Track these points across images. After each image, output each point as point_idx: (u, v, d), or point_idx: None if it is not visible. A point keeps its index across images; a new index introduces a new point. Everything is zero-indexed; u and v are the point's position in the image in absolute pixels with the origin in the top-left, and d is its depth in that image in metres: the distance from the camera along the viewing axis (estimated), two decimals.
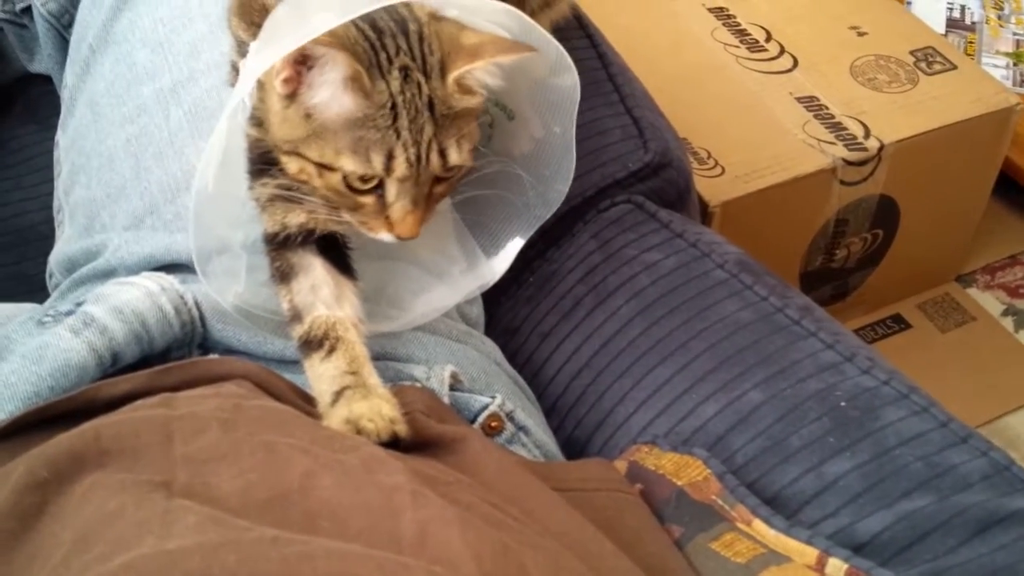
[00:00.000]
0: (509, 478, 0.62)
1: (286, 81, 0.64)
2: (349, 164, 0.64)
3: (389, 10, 0.65)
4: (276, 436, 0.56)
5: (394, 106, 0.63)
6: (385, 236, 0.68)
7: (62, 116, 0.96)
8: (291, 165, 0.67)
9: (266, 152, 0.70)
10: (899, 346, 1.64)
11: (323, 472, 0.53)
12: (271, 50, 0.63)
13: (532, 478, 0.63)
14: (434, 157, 0.65)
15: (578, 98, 0.72)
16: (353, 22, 0.63)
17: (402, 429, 0.64)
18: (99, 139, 0.88)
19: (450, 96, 0.65)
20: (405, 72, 0.64)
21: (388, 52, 0.64)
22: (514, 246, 0.79)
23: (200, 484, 0.52)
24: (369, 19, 0.64)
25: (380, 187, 0.66)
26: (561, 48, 0.68)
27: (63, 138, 0.95)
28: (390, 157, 0.64)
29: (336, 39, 0.61)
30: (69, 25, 0.99)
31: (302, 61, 0.63)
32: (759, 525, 0.66)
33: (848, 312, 1.64)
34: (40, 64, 1.10)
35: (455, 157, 0.66)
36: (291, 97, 0.64)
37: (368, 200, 0.66)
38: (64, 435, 0.55)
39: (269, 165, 0.70)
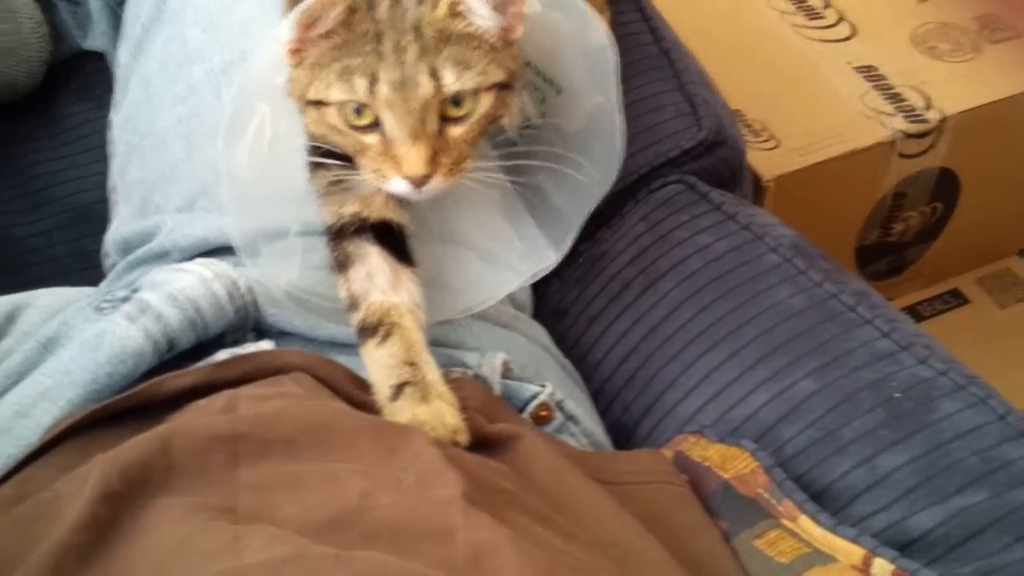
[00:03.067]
0: (559, 480, 0.63)
1: (292, 52, 0.66)
2: (336, 93, 0.65)
3: None
4: (338, 463, 0.57)
5: (379, 32, 0.64)
6: (401, 186, 0.67)
7: (115, 95, 0.97)
8: (309, 123, 0.69)
9: (317, 145, 0.71)
10: (956, 321, 1.61)
11: (380, 493, 0.54)
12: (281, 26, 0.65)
13: (582, 480, 0.64)
14: (423, 79, 0.65)
15: (614, 62, 0.71)
16: None
17: (463, 439, 0.64)
18: (152, 119, 0.89)
19: (441, 19, 0.65)
20: (395, 0, 0.65)
21: None
22: (572, 229, 0.79)
23: (263, 508, 0.53)
24: None
25: (379, 123, 0.66)
26: (584, 6, 0.68)
27: (116, 117, 0.95)
28: (373, 80, 0.64)
29: None
30: (122, 3, 0.99)
31: (309, 25, 0.65)
32: (805, 521, 0.66)
33: (904, 287, 1.61)
34: (94, 41, 1.11)
35: (450, 79, 0.65)
36: (298, 61, 0.67)
37: (372, 139, 0.67)
38: (135, 441, 0.56)
39: (323, 157, 0.71)
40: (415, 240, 0.76)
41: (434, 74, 0.65)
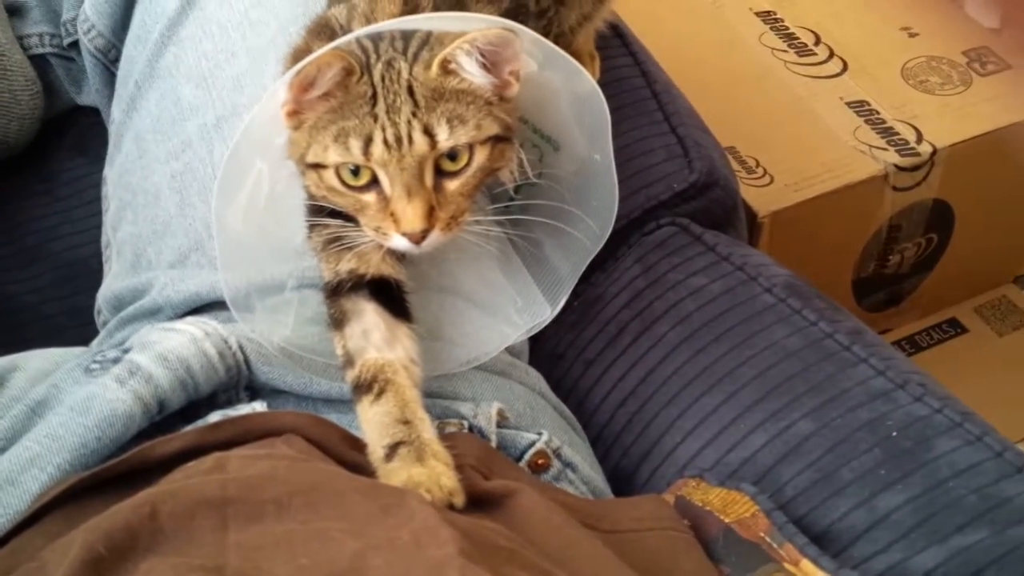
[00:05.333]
0: (558, 535, 0.62)
1: (290, 114, 0.67)
2: (333, 155, 0.67)
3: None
4: (329, 522, 0.57)
5: (374, 94, 0.66)
6: (402, 242, 0.68)
7: (109, 151, 0.97)
8: (309, 184, 0.70)
9: (316, 203, 0.71)
10: (955, 351, 1.60)
11: (373, 553, 0.54)
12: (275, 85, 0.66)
13: (581, 533, 0.63)
14: (417, 136, 0.66)
15: (606, 113, 0.72)
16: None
17: (459, 501, 0.64)
18: (145, 175, 0.89)
19: (434, 78, 0.66)
20: (389, 63, 0.66)
21: (379, 51, 0.67)
22: (568, 284, 0.79)
23: (253, 568, 0.53)
24: (375, 32, 0.68)
25: (377, 182, 0.67)
26: (577, 65, 0.70)
27: (110, 173, 0.96)
28: (368, 141, 0.65)
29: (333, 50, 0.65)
30: (116, 60, 1.00)
31: (305, 87, 0.66)
32: (807, 565, 0.65)
33: (903, 317, 1.61)
34: (88, 97, 1.12)
35: (444, 135, 0.66)
36: (296, 124, 0.68)
37: (370, 198, 0.68)
38: (120, 507, 0.56)
39: (320, 215, 0.72)
40: (414, 295, 0.76)
41: (428, 131, 0.66)
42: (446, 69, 0.67)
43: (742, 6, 1.59)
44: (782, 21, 1.56)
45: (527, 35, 0.68)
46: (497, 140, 0.69)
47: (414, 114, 0.66)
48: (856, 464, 0.75)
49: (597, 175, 0.75)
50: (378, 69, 0.66)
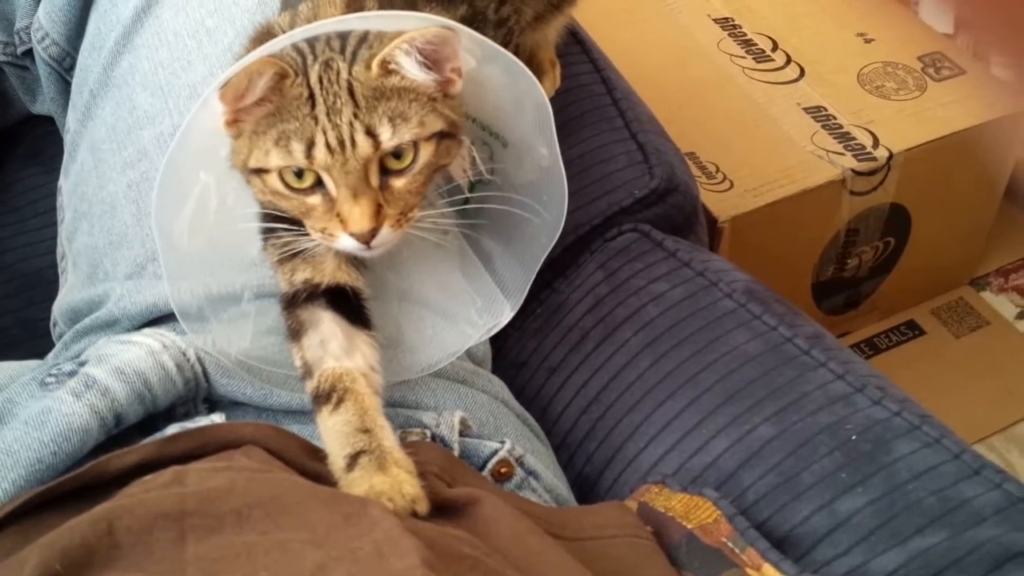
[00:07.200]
0: (522, 543, 0.62)
1: (229, 123, 0.67)
2: (275, 159, 0.66)
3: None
4: (290, 532, 0.56)
5: (311, 96, 0.65)
6: (349, 243, 0.67)
7: (64, 161, 0.95)
8: (255, 191, 0.69)
9: (268, 213, 0.71)
10: (914, 353, 1.63)
11: (335, 565, 0.53)
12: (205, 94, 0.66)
13: (545, 541, 0.63)
14: (360, 138, 0.65)
15: (547, 105, 0.71)
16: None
17: (422, 508, 0.63)
18: (100, 185, 0.88)
19: (374, 78, 0.66)
20: (327, 64, 0.66)
21: (316, 52, 0.66)
22: (526, 280, 0.79)
23: None
24: (311, 36, 0.67)
25: (322, 183, 0.67)
26: (505, 51, 0.70)
27: (65, 183, 0.94)
28: (310, 144, 0.65)
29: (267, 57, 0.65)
30: (71, 68, 0.98)
31: (238, 96, 0.65)
32: (769, 570, 0.66)
33: (862, 320, 1.63)
34: (43, 106, 1.10)
35: (387, 135, 0.65)
36: (236, 132, 0.68)
37: (315, 200, 0.67)
38: (76, 522, 0.55)
39: (273, 222, 0.71)
40: (373, 301, 0.75)
41: (370, 132, 0.65)
42: (386, 69, 0.66)
43: (700, 13, 1.61)
44: (740, 28, 1.58)
45: (464, 32, 0.67)
46: (443, 136, 0.68)
47: (355, 115, 0.65)
48: (817, 468, 0.76)
49: (546, 169, 0.74)
50: (315, 71, 0.65)
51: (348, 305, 0.74)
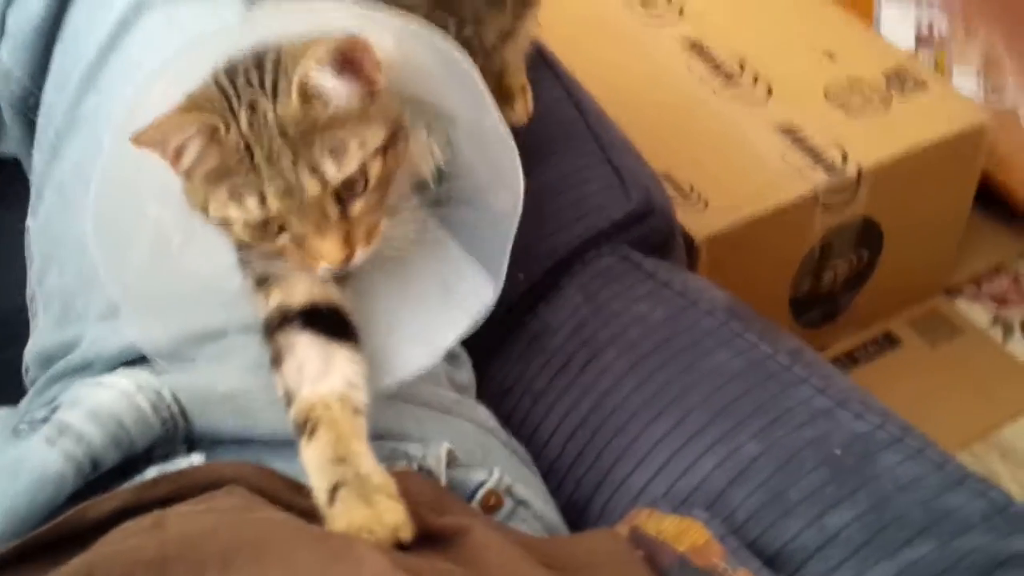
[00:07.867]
0: (511, 573, 0.62)
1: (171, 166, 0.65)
2: (234, 212, 0.64)
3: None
4: (276, 574, 0.55)
5: (248, 145, 0.63)
6: (329, 272, 0.67)
7: (32, 201, 0.93)
8: (224, 234, 0.68)
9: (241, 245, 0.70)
10: (891, 364, 1.64)
11: None
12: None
13: (537, 571, 0.63)
14: (306, 180, 0.63)
15: (471, 72, 0.68)
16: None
17: (405, 535, 0.62)
18: (69, 225, 0.86)
19: (298, 110, 0.63)
20: (252, 107, 0.63)
21: (239, 91, 0.64)
22: (503, 255, 0.74)
23: None
24: (228, 63, 0.65)
25: (286, 227, 0.66)
26: (414, 20, 0.67)
27: (34, 224, 0.93)
28: (262, 197, 0.63)
29: (188, 102, 0.63)
30: (35, 108, 0.96)
31: (176, 157, 0.63)
32: None
33: (839, 332, 1.64)
34: (7, 147, 1.07)
35: (332, 170, 0.63)
36: (187, 176, 0.65)
37: (285, 241, 0.66)
38: (55, 575, 0.54)
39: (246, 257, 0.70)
40: (359, 300, 0.74)
41: (315, 171, 0.63)
42: (306, 97, 0.63)
43: (668, 36, 1.62)
44: (708, 49, 1.59)
45: (370, 26, 0.65)
46: (389, 143, 0.66)
47: (295, 161, 0.63)
48: (804, 484, 0.77)
49: (493, 141, 0.70)
50: (243, 117, 0.63)
51: (326, 320, 0.72)
